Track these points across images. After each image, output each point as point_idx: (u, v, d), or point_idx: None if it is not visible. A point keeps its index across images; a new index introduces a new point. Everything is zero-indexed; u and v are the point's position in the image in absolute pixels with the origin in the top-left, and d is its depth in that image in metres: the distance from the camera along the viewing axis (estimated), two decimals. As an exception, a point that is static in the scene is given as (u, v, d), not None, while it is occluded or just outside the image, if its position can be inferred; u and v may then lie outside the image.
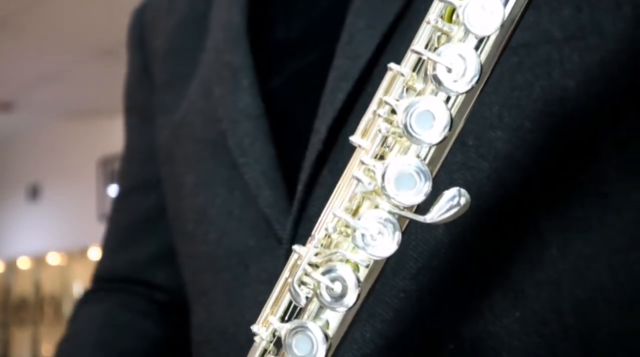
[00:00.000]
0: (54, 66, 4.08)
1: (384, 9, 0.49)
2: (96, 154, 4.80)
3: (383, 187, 0.30)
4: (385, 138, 0.32)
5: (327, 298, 0.32)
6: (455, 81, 0.30)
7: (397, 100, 0.32)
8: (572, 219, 0.45)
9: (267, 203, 0.51)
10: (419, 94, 0.32)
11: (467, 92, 0.30)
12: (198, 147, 0.58)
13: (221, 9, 0.60)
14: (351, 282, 0.31)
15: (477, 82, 0.30)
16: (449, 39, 0.32)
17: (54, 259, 5.39)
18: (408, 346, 0.45)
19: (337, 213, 0.32)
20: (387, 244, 0.31)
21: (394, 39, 0.49)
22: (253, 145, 0.53)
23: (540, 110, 0.45)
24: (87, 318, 0.65)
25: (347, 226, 0.33)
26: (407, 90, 0.33)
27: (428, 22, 0.33)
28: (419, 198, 0.30)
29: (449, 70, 0.30)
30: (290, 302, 0.35)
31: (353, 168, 0.33)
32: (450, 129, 0.30)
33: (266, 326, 0.36)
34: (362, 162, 0.31)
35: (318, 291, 0.33)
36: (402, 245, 0.45)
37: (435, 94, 0.31)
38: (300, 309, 0.34)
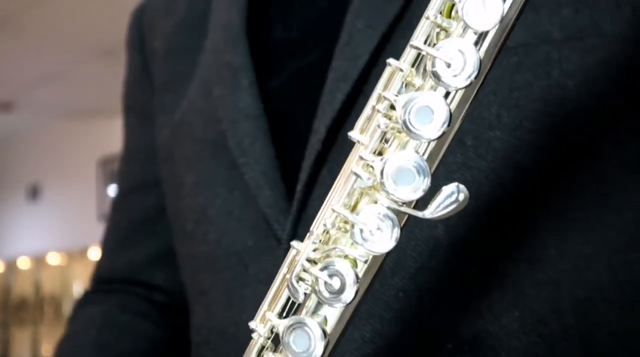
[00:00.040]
0: (54, 66, 4.08)
1: (383, 10, 0.49)
2: (96, 154, 4.80)
3: (382, 183, 0.30)
4: (384, 133, 0.32)
5: (326, 294, 0.32)
6: (454, 76, 0.30)
7: (396, 95, 0.32)
8: (572, 219, 0.45)
9: (266, 203, 0.51)
10: (418, 89, 0.32)
11: (466, 87, 0.30)
12: (198, 147, 0.58)
13: (220, 10, 0.60)
14: (349, 277, 0.31)
15: (476, 77, 0.30)
16: (448, 34, 0.32)
17: (54, 259, 5.39)
18: (407, 346, 0.45)
19: (335, 208, 0.32)
20: (385, 239, 0.31)
21: (393, 40, 0.49)
22: (253, 145, 0.53)
23: (539, 110, 0.45)
24: (86, 319, 0.65)
25: (345, 222, 0.33)
26: (406, 86, 0.33)
27: (427, 18, 0.33)
28: (417, 193, 0.30)
29: (448, 65, 0.30)
30: (289, 299, 0.35)
31: (352, 164, 0.33)
32: (449, 125, 0.30)
33: (264, 322, 0.35)
34: (361, 158, 0.31)
35: (316, 287, 0.33)
36: (401, 245, 0.45)
37: (435, 90, 0.31)
38: (299, 305, 0.34)
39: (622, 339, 0.45)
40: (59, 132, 5.20)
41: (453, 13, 0.32)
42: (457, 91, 0.31)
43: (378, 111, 0.32)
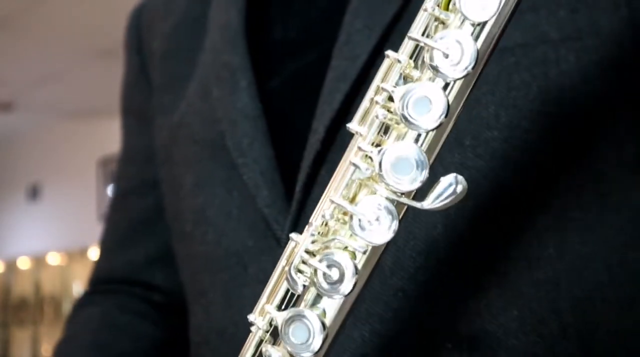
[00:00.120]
0: (54, 66, 4.08)
1: (381, 10, 0.49)
2: (96, 154, 4.80)
3: (380, 173, 0.30)
4: (382, 124, 0.32)
5: (324, 285, 0.32)
6: (451, 67, 0.30)
7: (394, 86, 0.32)
8: (570, 218, 0.45)
9: (265, 203, 0.51)
10: (416, 81, 0.32)
11: (464, 77, 0.30)
12: (197, 148, 0.58)
13: (219, 10, 0.60)
14: (348, 269, 0.31)
15: (473, 68, 0.30)
16: (445, 27, 0.32)
17: (54, 259, 5.39)
18: (406, 345, 0.45)
19: (334, 200, 0.32)
20: (384, 230, 0.31)
21: (391, 40, 0.49)
22: (251, 145, 0.53)
23: (537, 110, 0.45)
24: (85, 320, 0.65)
25: (344, 213, 0.33)
26: (404, 78, 0.33)
27: (425, 10, 0.33)
28: (415, 184, 0.30)
29: (446, 56, 0.30)
30: (287, 291, 0.35)
31: (350, 155, 0.33)
32: (447, 115, 0.30)
33: (263, 315, 0.35)
34: (360, 149, 0.31)
35: (315, 279, 0.33)
36: (400, 244, 0.45)
37: (433, 81, 0.31)
38: (297, 297, 0.34)
39: (621, 338, 0.45)
40: (59, 132, 5.20)
41: (451, 5, 0.32)
42: (455, 82, 0.31)
43: (376, 103, 0.32)
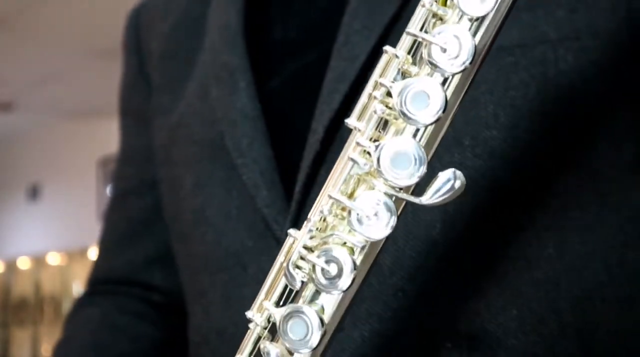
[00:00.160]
0: (54, 66, 4.08)
1: (380, 11, 0.49)
2: (96, 154, 4.79)
3: (378, 168, 0.30)
4: (381, 119, 0.32)
5: (323, 281, 0.32)
6: (449, 61, 0.30)
7: (393, 82, 0.32)
8: (570, 218, 0.45)
9: (265, 203, 0.51)
10: (414, 76, 0.32)
11: (461, 72, 0.30)
12: (196, 148, 0.58)
13: (218, 10, 0.60)
14: (347, 264, 0.31)
15: (471, 62, 0.30)
16: (443, 22, 0.32)
17: (54, 259, 5.39)
18: (406, 345, 0.45)
19: (332, 195, 0.32)
20: (382, 225, 0.31)
21: (390, 40, 0.49)
22: (251, 145, 0.53)
23: (535, 110, 0.45)
24: (84, 321, 0.65)
25: (343, 209, 0.33)
26: (403, 74, 0.33)
27: (423, 6, 0.33)
28: (414, 179, 0.30)
29: (444, 51, 0.30)
30: (286, 287, 0.35)
31: (349, 150, 0.33)
32: (444, 110, 0.29)
33: (261, 311, 0.35)
34: (358, 144, 0.31)
35: (313, 275, 0.33)
36: (400, 244, 0.45)
37: (431, 76, 0.31)
38: (296, 294, 0.34)
39: (620, 336, 0.45)
40: (59, 132, 5.20)
41: (448, 1, 0.32)
42: (453, 77, 0.31)
43: (375, 98, 0.32)
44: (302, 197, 0.49)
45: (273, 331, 0.35)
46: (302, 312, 0.33)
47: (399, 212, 0.32)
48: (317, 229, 0.33)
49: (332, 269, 0.32)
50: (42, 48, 3.83)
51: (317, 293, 0.34)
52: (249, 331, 0.36)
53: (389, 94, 0.32)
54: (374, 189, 0.32)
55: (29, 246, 5.49)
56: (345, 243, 0.33)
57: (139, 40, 0.68)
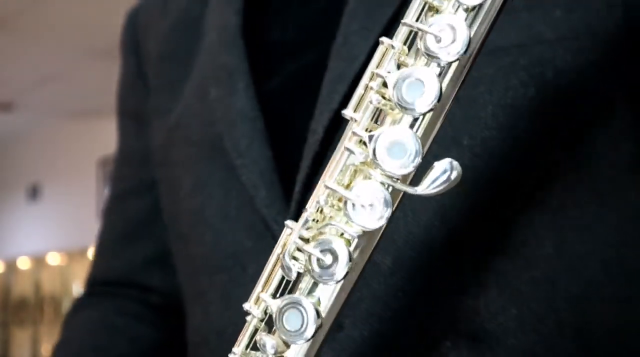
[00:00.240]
0: (54, 66, 4.08)
1: (378, 11, 0.49)
2: (96, 154, 4.79)
3: (374, 157, 0.30)
4: (377, 109, 0.32)
5: (318, 271, 0.32)
6: (444, 50, 0.30)
7: (388, 72, 0.32)
8: (568, 217, 0.46)
9: (264, 204, 0.51)
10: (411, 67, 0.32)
11: (456, 61, 0.30)
12: (195, 149, 0.58)
13: (216, 11, 0.60)
14: (343, 254, 0.31)
15: (465, 51, 0.30)
16: (439, 14, 0.32)
17: (53, 259, 5.39)
18: (406, 345, 0.45)
19: (328, 185, 0.32)
20: (378, 215, 0.31)
21: None
22: (250, 146, 0.53)
23: (534, 110, 0.45)
24: (81, 323, 0.65)
25: (339, 200, 0.33)
26: (399, 66, 0.33)
27: (419, -3, 0.33)
28: (409, 168, 0.30)
29: (438, 40, 0.30)
30: (283, 279, 0.35)
31: (345, 140, 0.33)
32: (439, 99, 0.29)
33: (258, 303, 0.35)
34: (354, 133, 0.31)
35: (309, 266, 0.32)
36: (400, 244, 0.45)
37: (427, 66, 0.31)
38: (293, 285, 0.34)
39: (619, 335, 0.46)
40: (59, 132, 5.20)
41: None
42: (449, 66, 0.31)
43: (371, 88, 0.32)
44: (302, 197, 0.49)
45: (270, 324, 0.35)
46: (298, 303, 0.33)
47: (396, 203, 0.32)
48: (313, 220, 0.33)
49: (328, 259, 0.32)
50: (42, 48, 3.84)
51: (314, 285, 0.33)
52: (246, 323, 0.36)
53: (385, 85, 0.32)
54: (370, 179, 0.32)
55: (29, 246, 5.50)
56: (342, 234, 0.33)
57: (137, 41, 0.68)
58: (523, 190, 0.46)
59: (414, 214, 0.46)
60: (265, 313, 0.35)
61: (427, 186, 0.31)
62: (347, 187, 0.33)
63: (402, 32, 0.33)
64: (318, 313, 0.33)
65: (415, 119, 0.32)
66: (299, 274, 0.34)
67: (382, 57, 0.33)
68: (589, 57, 0.45)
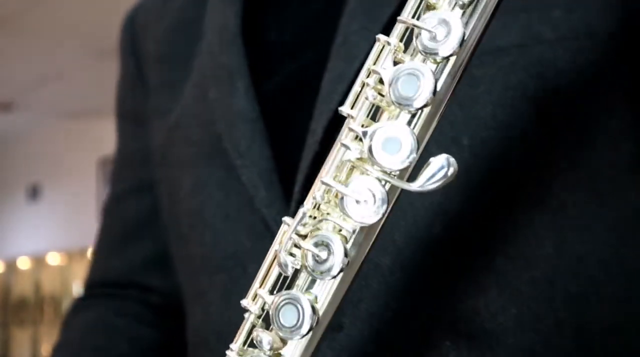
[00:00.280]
0: (54, 66, 4.08)
1: (378, 11, 0.49)
2: (96, 154, 4.79)
3: (369, 152, 0.30)
4: (373, 106, 0.32)
5: (314, 267, 0.32)
6: (438, 45, 0.30)
7: (384, 69, 0.32)
8: (568, 217, 0.46)
9: (264, 204, 0.51)
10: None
11: (451, 56, 0.30)
12: (194, 150, 0.58)
13: (215, 12, 0.60)
14: (338, 249, 0.31)
15: (460, 46, 0.30)
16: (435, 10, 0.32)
17: (54, 259, 5.39)
18: (406, 344, 0.45)
19: (325, 180, 0.32)
20: (374, 210, 0.31)
21: None
22: (250, 146, 0.53)
23: (534, 110, 0.45)
24: (81, 324, 0.65)
25: (336, 196, 0.33)
26: (395, 63, 0.33)
27: (415, -5, 0.33)
28: (405, 164, 0.30)
29: (433, 35, 0.30)
30: (280, 275, 0.35)
31: (341, 136, 0.33)
32: (434, 93, 0.30)
33: (255, 300, 0.35)
34: (351, 130, 0.31)
35: (305, 262, 0.33)
36: (400, 245, 0.46)
37: (424, 62, 0.31)
38: (291, 282, 0.34)
39: (617, 334, 0.46)
40: (59, 132, 5.20)
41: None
42: (444, 62, 0.31)
43: (367, 84, 0.32)
44: (302, 197, 0.49)
45: (267, 320, 0.35)
46: (294, 299, 0.33)
47: (393, 200, 0.32)
48: (310, 216, 0.33)
49: (323, 255, 0.32)
50: (42, 48, 3.83)
51: (312, 282, 0.34)
52: (244, 320, 0.36)
53: (381, 82, 0.32)
54: (366, 175, 0.32)
55: (29, 246, 5.50)
56: (340, 230, 0.33)
57: (136, 43, 0.68)
58: (523, 190, 0.46)
59: (414, 214, 0.46)
60: (263, 310, 0.35)
61: (424, 182, 0.31)
62: (344, 183, 0.33)
63: (398, 28, 0.33)
64: (314, 309, 0.33)
65: (413, 116, 0.32)
66: (296, 271, 0.34)
67: (379, 54, 0.33)
68: (588, 57, 0.46)
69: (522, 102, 0.45)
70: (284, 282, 0.35)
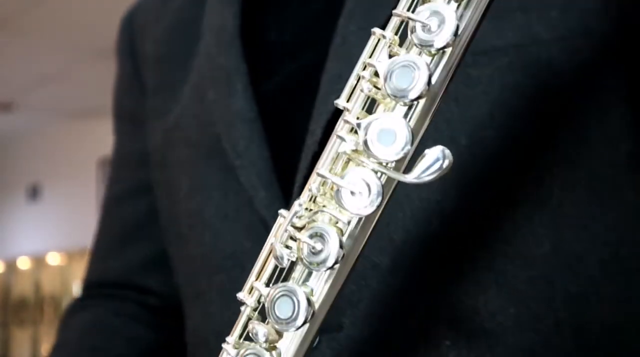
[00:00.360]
0: (54, 66, 4.08)
1: (376, 11, 0.49)
2: (96, 154, 4.79)
3: (365, 145, 0.30)
4: (369, 98, 0.32)
5: (310, 258, 0.32)
6: (432, 37, 0.30)
7: (379, 62, 0.32)
8: (566, 216, 0.46)
9: (263, 204, 0.51)
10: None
11: (445, 47, 0.30)
12: (192, 151, 0.58)
13: (213, 14, 0.60)
14: (333, 240, 0.31)
15: (455, 36, 0.30)
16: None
17: (54, 259, 5.39)
18: (405, 344, 0.46)
19: (320, 172, 0.32)
20: (369, 201, 0.31)
21: None
22: (248, 147, 0.53)
23: (531, 110, 0.45)
24: (78, 325, 0.65)
25: (332, 188, 0.33)
26: (391, 57, 0.33)
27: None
28: (399, 155, 0.30)
29: (427, 27, 0.30)
30: (276, 268, 0.35)
31: (337, 129, 0.33)
32: (429, 84, 0.30)
33: (251, 292, 0.36)
34: (346, 121, 0.31)
35: (302, 255, 0.33)
36: (400, 244, 0.46)
37: (419, 55, 0.31)
38: (287, 275, 0.34)
39: (615, 332, 0.46)
40: (59, 132, 5.20)
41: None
42: (440, 54, 0.31)
43: (363, 77, 0.32)
44: None
45: (263, 313, 0.35)
46: (290, 291, 0.33)
47: (389, 192, 0.32)
48: (306, 208, 0.33)
49: (318, 246, 0.32)
50: (42, 48, 3.83)
51: (308, 275, 0.34)
52: (240, 313, 0.36)
53: (377, 74, 0.32)
54: (362, 166, 0.32)
55: (29, 246, 5.49)
56: (336, 223, 0.33)
57: (133, 44, 0.68)
58: (521, 189, 0.46)
59: (413, 214, 0.46)
60: (259, 302, 0.35)
61: (419, 174, 0.31)
62: (340, 175, 0.33)
63: (393, 22, 0.33)
64: (309, 302, 0.33)
65: (409, 109, 0.32)
66: (293, 263, 0.34)
67: (374, 47, 0.33)
68: (584, 57, 0.46)
69: (520, 101, 0.45)
70: (280, 275, 0.35)
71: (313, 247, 0.32)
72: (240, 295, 0.36)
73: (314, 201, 0.34)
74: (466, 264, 0.46)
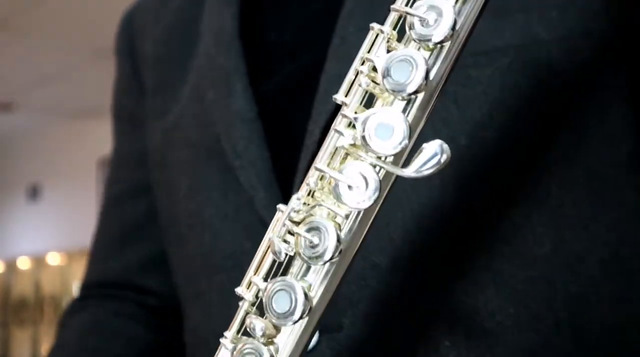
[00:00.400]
0: (54, 66, 4.08)
1: (375, 12, 0.49)
2: (96, 154, 4.79)
3: (362, 139, 0.30)
4: (367, 93, 0.32)
5: (307, 252, 0.32)
6: (429, 31, 0.30)
7: (377, 56, 0.32)
8: (565, 215, 0.46)
9: (262, 204, 0.51)
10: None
11: (443, 42, 0.30)
12: (192, 151, 0.58)
13: (213, 14, 0.60)
14: (331, 234, 0.31)
15: (452, 30, 0.30)
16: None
17: (54, 259, 5.39)
18: (405, 344, 0.46)
19: (318, 166, 0.32)
20: (367, 195, 0.31)
21: None
22: (248, 148, 0.53)
23: (530, 110, 0.45)
24: (77, 325, 0.64)
25: (329, 182, 0.33)
26: (389, 51, 0.33)
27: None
28: (397, 149, 0.30)
29: (425, 21, 0.30)
30: (274, 262, 0.35)
31: (335, 123, 0.33)
32: (426, 78, 0.30)
33: (249, 287, 0.36)
34: (344, 116, 0.32)
35: (300, 250, 0.33)
36: (399, 244, 0.46)
37: (417, 49, 0.31)
38: (285, 270, 0.34)
39: (615, 333, 0.46)
40: (59, 132, 5.20)
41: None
42: (438, 49, 0.31)
43: (361, 72, 0.32)
44: None
45: (261, 308, 0.35)
46: (287, 286, 0.33)
47: (387, 186, 0.32)
48: (305, 203, 0.33)
49: (316, 240, 0.32)
50: (42, 48, 3.83)
51: (306, 270, 0.34)
52: (238, 307, 0.36)
53: (375, 69, 0.32)
54: (360, 160, 0.32)
55: (29, 246, 5.49)
56: (335, 217, 0.33)
57: (132, 44, 0.68)
58: (520, 189, 0.46)
59: (412, 214, 0.46)
60: (257, 297, 0.35)
61: (417, 168, 0.31)
62: (338, 169, 0.33)
63: (391, 17, 0.33)
64: (307, 296, 0.33)
65: (407, 103, 0.32)
66: (291, 258, 0.34)
67: (373, 42, 0.33)
68: (584, 57, 0.46)
69: (520, 102, 0.45)
70: (278, 270, 0.35)
71: (311, 241, 0.32)
72: (239, 290, 0.36)
73: (312, 196, 0.34)
74: (465, 264, 0.46)
